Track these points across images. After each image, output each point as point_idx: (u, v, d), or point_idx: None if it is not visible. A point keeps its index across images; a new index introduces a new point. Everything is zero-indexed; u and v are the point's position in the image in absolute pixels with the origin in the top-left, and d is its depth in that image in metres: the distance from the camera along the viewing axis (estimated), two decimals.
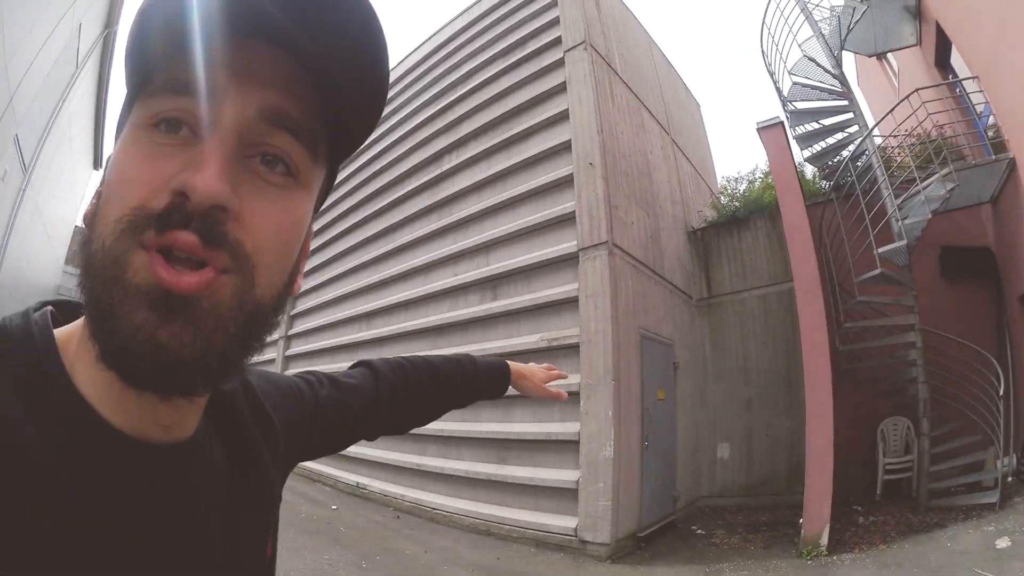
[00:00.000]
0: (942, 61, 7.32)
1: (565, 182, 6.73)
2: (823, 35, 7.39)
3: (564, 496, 5.78)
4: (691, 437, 7.45)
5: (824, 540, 5.19)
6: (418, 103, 10.14)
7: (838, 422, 6.42)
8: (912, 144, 6.72)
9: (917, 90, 6.30)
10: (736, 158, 36.25)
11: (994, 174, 6.21)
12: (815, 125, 7.75)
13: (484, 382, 1.01)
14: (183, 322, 0.35)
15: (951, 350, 6.40)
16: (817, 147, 7.81)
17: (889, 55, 9.21)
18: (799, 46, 7.56)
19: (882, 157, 6.82)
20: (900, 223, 6.04)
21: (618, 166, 6.85)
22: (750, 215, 8.36)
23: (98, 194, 0.40)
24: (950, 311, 7.01)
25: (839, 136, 7.54)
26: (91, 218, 0.39)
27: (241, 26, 0.37)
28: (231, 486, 0.49)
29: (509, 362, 1.07)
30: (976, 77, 6.24)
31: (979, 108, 6.62)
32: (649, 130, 8.50)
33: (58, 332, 0.42)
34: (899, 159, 6.72)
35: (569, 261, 6.37)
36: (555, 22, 7.71)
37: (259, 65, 0.38)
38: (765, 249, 8.14)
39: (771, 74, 7.86)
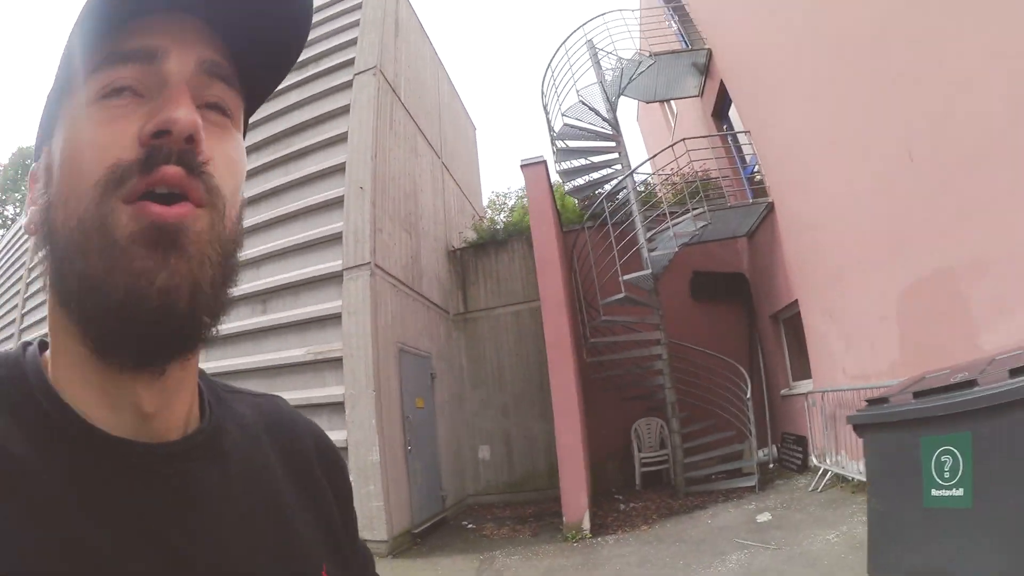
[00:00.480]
0: (720, 113, 8.70)
1: (336, 203, 6.98)
2: (604, 82, 8.11)
3: None
4: (452, 441, 8.03)
5: (586, 525, 5.72)
6: None
7: (593, 423, 7.25)
8: (674, 184, 7.98)
9: (683, 139, 7.43)
10: (512, 172, 37.72)
11: (752, 214, 7.54)
12: (583, 161, 8.59)
13: None
14: (176, 256, 0.36)
15: (700, 360, 7.61)
16: (581, 181, 8.69)
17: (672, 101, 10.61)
18: (577, 92, 8.19)
19: (643, 194, 7.85)
20: (648, 254, 7.07)
21: (387, 190, 7.31)
22: (509, 237, 9.06)
23: (45, 183, 0.41)
24: (704, 327, 8.35)
25: (603, 172, 8.44)
26: (44, 214, 0.40)
27: (165, 3, 0.40)
28: (247, 490, 0.46)
29: None
30: (748, 132, 7.55)
31: (748, 158, 7.98)
32: (421, 154, 9.00)
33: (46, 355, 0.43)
34: (661, 196, 7.83)
35: (335, 279, 6.65)
36: (352, 43, 7.85)
37: (188, 30, 0.41)
38: (520, 269, 8.94)
39: (546, 111, 8.54)
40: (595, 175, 8.59)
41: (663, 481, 7.59)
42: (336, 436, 6.12)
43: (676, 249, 7.08)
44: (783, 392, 7.93)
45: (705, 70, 8.44)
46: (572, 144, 8.45)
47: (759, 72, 6.93)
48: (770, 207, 7.24)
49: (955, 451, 2.39)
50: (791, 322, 7.53)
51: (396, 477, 6.11)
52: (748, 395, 7.10)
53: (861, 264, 5.35)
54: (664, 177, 8.25)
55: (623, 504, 6.74)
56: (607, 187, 8.12)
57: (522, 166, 7.43)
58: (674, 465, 7.14)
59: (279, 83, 0.50)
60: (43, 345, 0.44)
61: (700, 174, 7.89)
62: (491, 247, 9.21)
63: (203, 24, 0.42)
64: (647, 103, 9.85)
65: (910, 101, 4.30)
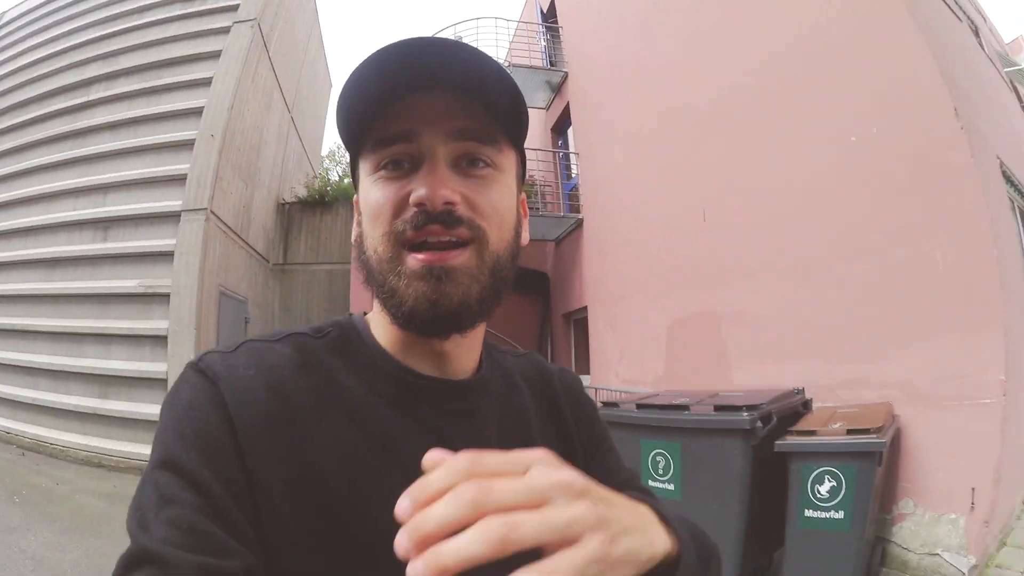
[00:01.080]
0: (559, 129, 9.46)
1: (186, 145, 7.12)
2: None
3: None
4: None
5: None
6: (81, 23, 9.02)
7: None
8: None
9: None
10: None
11: (562, 224, 8.49)
12: None
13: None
14: (446, 283, 0.51)
15: (496, 343, 8.46)
16: None
17: None
18: None
19: None
20: None
21: (235, 140, 7.50)
22: (336, 200, 9.19)
23: (359, 223, 0.59)
24: (505, 313, 9.24)
25: None
26: (360, 240, 0.58)
27: (416, 86, 0.51)
28: (538, 414, 0.67)
29: None
30: (577, 153, 8.43)
31: (574, 176, 8.86)
32: (274, 108, 9.06)
33: (368, 316, 0.62)
34: None
35: (172, 218, 6.86)
36: None
37: (439, 106, 0.52)
38: (341, 232, 9.30)
39: None
40: None
41: None
42: (157, 368, 6.59)
43: None
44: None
45: (557, 89, 9.05)
46: None
47: (599, 105, 7.73)
48: (579, 223, 8.21)
49: (667, 454, 3.24)
50: (580, 324, 8.65)
51: None
52: None
53: (644, 290, 6.45)
54: None
55: None
56: None
57: None
58: None
59: (524, 123, 0.59)
60: (358, 315, 0.63)
61: (528, 179, 8.69)
62: (318, 206, 9.26)
63: (452, 98, 0.53)
64: None
65: (708, 171, 5.35)
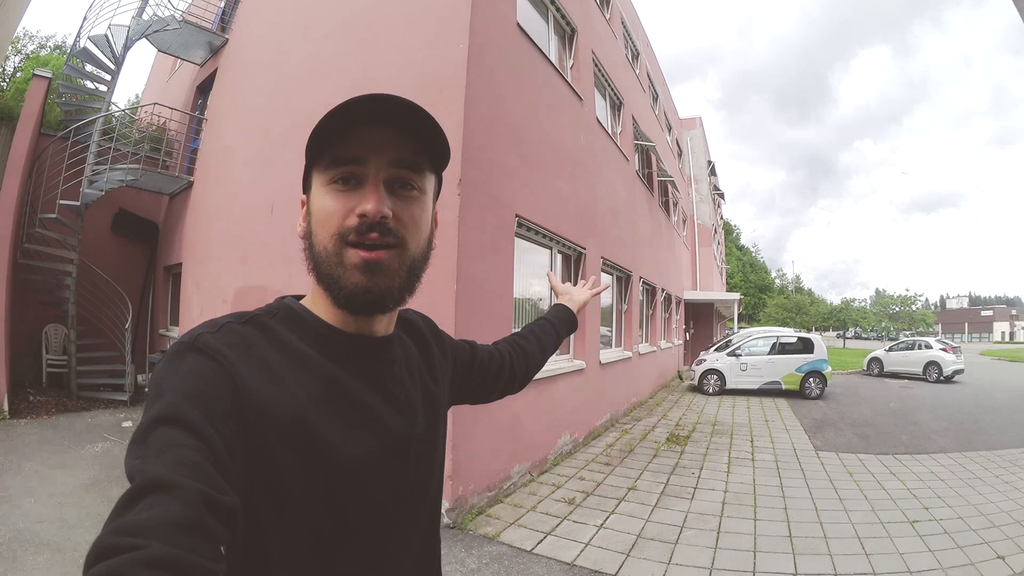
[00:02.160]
0: (204, 89, 9.49)
1: None
2: (132, 26, 8.44)
3: None
4: None
5: (5, 407, 6.74)
6: None
7: (17, 321, 7.32)
8: (139, 129, 8.89)
9: (155, 104, 8.62)
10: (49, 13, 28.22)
11: (178, 182, 8.84)
12: (86, 84, 8.83)
13: (563, 327, 1.36)
14: (378, 276, 0.67)
15: (104, 286, 8.45)
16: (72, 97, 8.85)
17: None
18: (110, 26, 8.31)
19: (110, 127, 8.42)
20: (86, 188, 7.83)
21: None
22: (1, 119, 8.20)
23: (307, 220, 0.71)
24: (116, 257, 9.23)
25: (95, 97, 8.78)
26: (308, 234, 0.70)
27: (368, 120, 0.67)
28: (423, 366, 0.85)
29: (563, 303, 1.43)
30: (207, 119, 8.83)
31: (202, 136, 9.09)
32: None
33: (300, 300, 0.76)
34: (122, 134, 8.53)
35: None
36: None
37: (382, 139, 0.68)
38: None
39: (80, 26, 8.49)
40: (87, 99, 8.73)
41: (63, 382, 8.25)
42: None
43: (103, 192, 7.90)
44: (161, 331, 9.49)
45: (215, 51, 9.18)
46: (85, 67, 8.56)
47: (240, 81, 8.13)
48: (190, 184, 8.70)
49: None
50: (177, 277, 9.06)
51: None
52: (127, 325, 8.27)
53: (223, 257, 7.26)
54: (133, 120, 9.05)
55: (32, 396, 7.69)
56: (98, 115, 8.21)
57: (34, 75, 8.06)
58: (70, 371, 8.03)
59: (445, 157, 0.74)
60: (290, 299, 0.76)
61: (162, 130, 9.02)
62: None
63: (395, 132, 0.68)
64: (160, 51, 9.84)
65: (286, 171, 6.23)
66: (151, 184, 8.73)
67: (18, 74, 10.49)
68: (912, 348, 18.05)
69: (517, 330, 1.29)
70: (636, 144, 11.10)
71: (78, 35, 8.50)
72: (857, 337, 54.59)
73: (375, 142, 0.67)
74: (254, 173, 7.02)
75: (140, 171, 8.02)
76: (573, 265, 7.28)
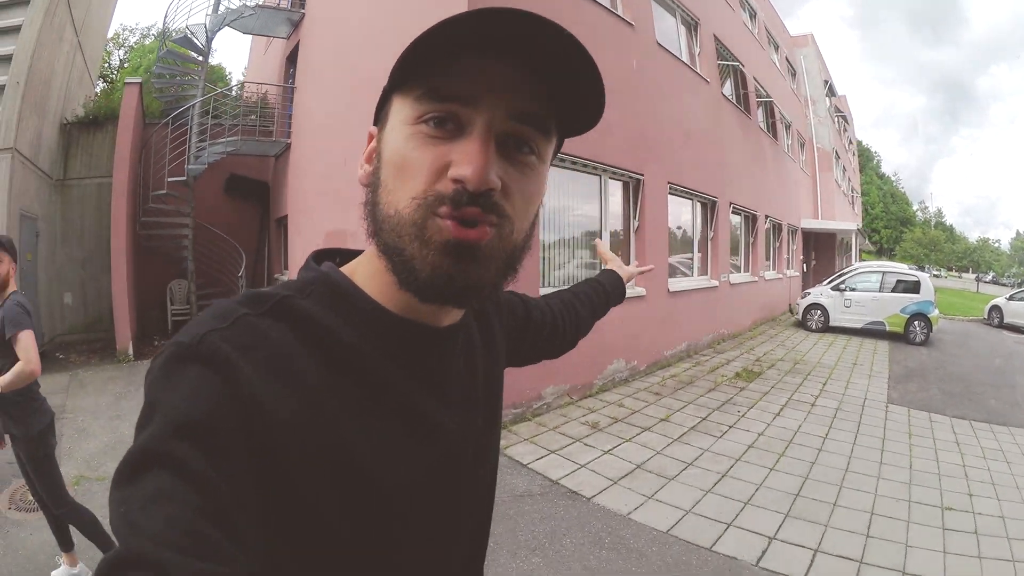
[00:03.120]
0: (292, 59, 10.28)
1: None
2: (211, 15, 9.51)
3: None
4: (49, 288, 9.02)
5: (131, 352, 7.95)
6: None
7: (141, 279, 8.92)
8: (239, 104, 10.03)
9: (246, 81, 9.44)
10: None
11: (279, 145, 9.83)
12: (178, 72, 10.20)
13: (613, 292, 1.21)
14: (468, 262, 0.49)
15: (219, 241, 9.90)
16: (168, 89, 10.34)
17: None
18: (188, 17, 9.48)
19: (211, 105, 9.58)
20: (191, 164, 9.08)
21: (33, 82, 7.76)
22: (107, 119, 9.76)
23: (371, 161, 0.55)
24: (231, 217, 10.68)
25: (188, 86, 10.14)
26: (374, 183, 0.53)
27: (488, 49, 0.48)
28: (485, 351, 0.70)
29: (613, 268, 1.28)
30: (296, 88, 9.69)
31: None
32: (65, 40, 9.11)
33: (343, 269, 0.59)
34: (224, 111, 9.69)
35: None
36: None
37: (504, 78, 0.49)
38: (108, 147, 9.75)
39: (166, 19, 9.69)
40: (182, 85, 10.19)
41: None
42: None
43: (205, 165, 9.21)
44: (276, 275, 10.90)
45: (296, 25, 9.94)
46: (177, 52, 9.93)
47: (318, 50, 8.77)
48: (288, 146, 9.65)
49: None
50: (286, 228, 10.14)
51: None
52: (241, 273, 9.67)
53: (317, 207, 8.12)
54: (228, 97, 10.22)
55: (157, 342, 9.03)
56: (194, 101, 9.50)
57: (126, 83, 9.13)
58: (192, 317, 9.55)
59: (591, 124, 0.56)
60: (324, 255, 0.62)
61: (261, 98, 10.10)
62: (91, 125, 9.72)
63: (521, 72, 0.49)
64: (244, 33, 10.87)
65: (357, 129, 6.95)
66: (254, 150, 9.81)
67: (125, 64, 12.11)
68: None
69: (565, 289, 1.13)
70: (721, 64, 10.23)
71: (162, 40, 9.78)
72: (995, 282, 47.17)
73: (496, 81, 0.49)
74: (330, 131, 7.67)
75: (239, 141, 9.13)
76: (631, 192, 7.15)
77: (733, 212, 10.74)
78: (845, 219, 20.11)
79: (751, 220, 11.89)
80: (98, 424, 4.95)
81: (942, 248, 43.57)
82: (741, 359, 8.30)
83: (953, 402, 6.64)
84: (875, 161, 59.47)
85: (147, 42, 18.65)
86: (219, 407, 0.43)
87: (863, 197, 42.68)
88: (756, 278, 11.89)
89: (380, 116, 0.56)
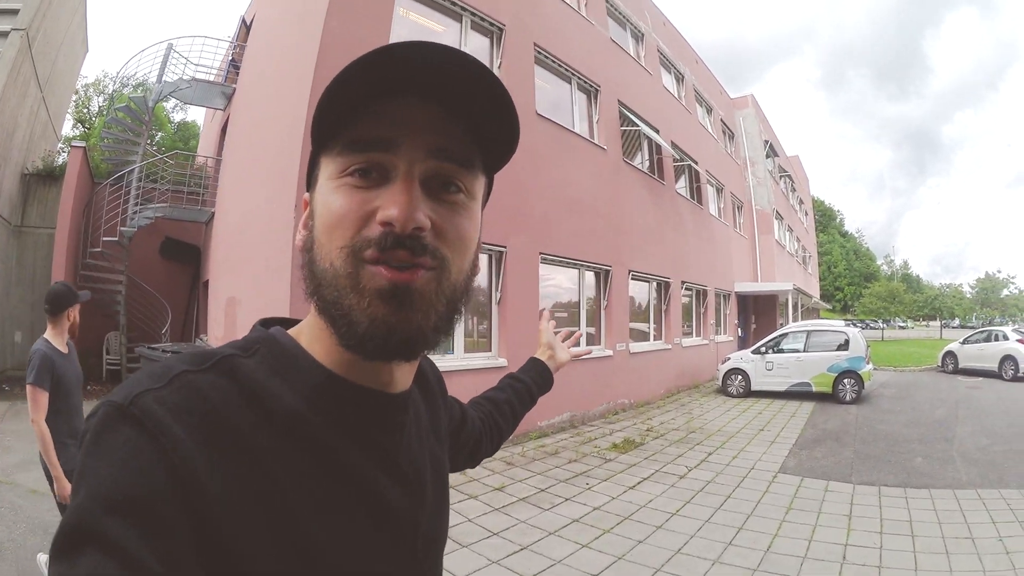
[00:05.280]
0: (224, 131, 10.69)
1: None
2: (153, 86, 10.20)
3: None
4: (1, 326, 9.65)
5: None
6: None
7: (81, 327, 8.99)
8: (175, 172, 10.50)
9: (177, 151, 10.04)
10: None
11: (205, 213, 10.18)
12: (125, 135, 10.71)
13: (538, 390, 1.14)
14: (407, 309, 0.46)
15: (152, 300, 10.17)
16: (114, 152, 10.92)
17: None
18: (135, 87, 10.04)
19: (151, 169, 9.98)
20: (120, 228, 9.46)
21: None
22: (61, 175, 10.39)
23: (308, 228, 0.52)
24: (165, 276, 10.99)
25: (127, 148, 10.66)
26: (309, 245, 0.50)
27: (397, 90, 0.46)
28: (432, 431, 0.66)
29: (539, 357, 1.19)
30: (220, 159, 10.06)
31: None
32: (29, 95, 9.99)
33: (290, 331, 0.55)
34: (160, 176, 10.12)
35: None
36: None
37: (419, 117, 0.47)
38: (55, 202, 10.18)
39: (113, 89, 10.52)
40: (126, 150, 10.79)
41: (119, 378, 9.96)
42: None
43: (135, 229, 9.59)
44: (199, 337, 10.92)
45: (229, 98, 10.34)
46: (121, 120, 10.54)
47: (241, 121, 9.04)
48: (211, 216, 9.94)
49: None
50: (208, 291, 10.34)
51: None
52: (165, 330, 9.81)
53: (220, 275, 8.20)
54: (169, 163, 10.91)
55: (89, 387, 8.85)
56: (134, 163, 10.10)
57: (72, 146, 10.37)
58: (123, 369, 9.75)
59: (510, 153, 0.54)
60: (272, 322, 0.58)
61: (201, 167, 10.77)
62: (48, 178, 10.63)
63: (438, 110, 0.47)
64: (186, 104, 11.55)
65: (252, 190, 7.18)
66: (183, 215, 10.18)
67: (104, 113, 12.95)
68: (988, 340, 15.11)
69: (488, 392, 1.07)
70: (627, 130, 10.42)
71: (110, 106, 10.41)
72: (962, 326, 47.87)
73: (412, 120, 0.48)
74: (237, 200, 7.86)
75: (168, 208, 9.53)
76: (495, 263, 7.18)
77: (638, 279, 10.64)
78: (795, 281, 20.36)
79: (663, 287, 11.75)
80: (20, 444, 5.97)
81: (902, 299, 43.82)
82: (630, 429, 8.03)
83: (866, 466, 6.07)
84: (838, 220, 61.22)
85: (126, 90, 19.87)
86: (152, 480, 0.39)
87: (826, 257, 43.39)
88: (670, 345, 11.67)
89: (311, 180, 0.54)
